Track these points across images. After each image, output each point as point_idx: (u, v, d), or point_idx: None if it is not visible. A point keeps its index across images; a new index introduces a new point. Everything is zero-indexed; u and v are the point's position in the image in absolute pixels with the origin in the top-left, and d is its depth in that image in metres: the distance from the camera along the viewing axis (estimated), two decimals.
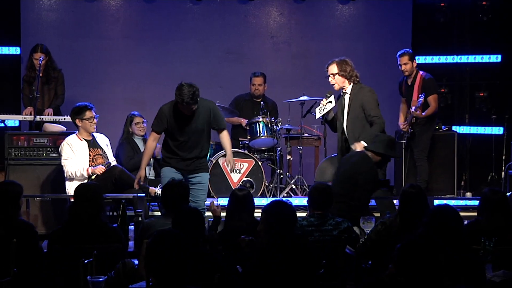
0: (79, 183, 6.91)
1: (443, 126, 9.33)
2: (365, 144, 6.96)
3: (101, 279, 4.04)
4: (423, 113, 8.42)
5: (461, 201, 8.47)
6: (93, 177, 7.28)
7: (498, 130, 9.82)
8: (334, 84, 7.38)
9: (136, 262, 4.73)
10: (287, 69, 10.49)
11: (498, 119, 9.78)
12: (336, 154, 8.56)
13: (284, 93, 9.50)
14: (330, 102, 7.45)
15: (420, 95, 8.34)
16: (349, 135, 7.33)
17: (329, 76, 7.38)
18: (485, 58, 10.07)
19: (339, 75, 7.32)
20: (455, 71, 10.41)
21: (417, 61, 9.75)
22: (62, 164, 7.36)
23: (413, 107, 8.37)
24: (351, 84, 7.34)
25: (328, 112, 7.50)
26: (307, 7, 10.48)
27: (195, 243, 4.39)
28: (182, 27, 10.32)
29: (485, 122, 9.97)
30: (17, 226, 5.13)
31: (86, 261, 4.45)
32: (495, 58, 10.03)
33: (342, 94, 7.45)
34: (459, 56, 10.21)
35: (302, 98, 8.87)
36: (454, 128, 9.62)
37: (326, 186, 5.73)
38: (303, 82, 10.07)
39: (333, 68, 7.35)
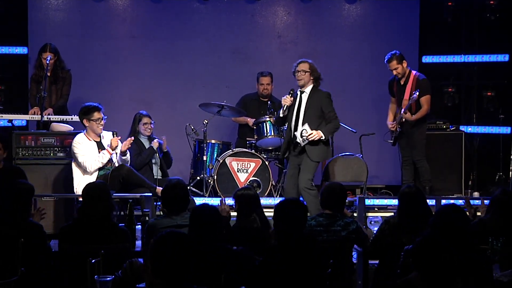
0: (88, 182, 6.96)
1: (450, 126, 9.32)
2: (323, 135, 7.43)
3: (108, 278, 4.05)
4: (413, 116, 8.37)
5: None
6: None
7: (505, 130, 9.81)
8: (300, 80, 7.64)
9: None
10: None
11: (506, 118, 9.76)
12: (345, 153, 8.58)
13: None
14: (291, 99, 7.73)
15: (414, 92, 8.28)
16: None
17: (299, 71, 7.62)
18: (493, 58, 10.04)
19: (310, 74, 7.60)
20: (462, 71, 10.39)
21: (424, 61, 9.71)
22: (81, 161, 7.34)
23: (403, 109, 8.34)
24: (312, 85, 7.64)
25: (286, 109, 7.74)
26: (314, 6, 10.46)
27: (212, 240, 4.40)
28: (189, 26, 10.32)
29: (493, 121, 9.95)
30: (26, 226, 5.14)
31: (93, 261, 4.46)
32: (503, 58, 10.00)
33: (299, 92, 7.70)
34: (466, 56, 10.17)
35: None
36: (461, 127, 9.60)
37: (336, 185, 5.72)
38: None
39: (306, 66, 7.62)
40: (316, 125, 7.53)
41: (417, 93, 8.22)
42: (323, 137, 7.49)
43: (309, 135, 7.45)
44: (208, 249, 4.30)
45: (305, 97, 7.66)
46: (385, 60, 8.50)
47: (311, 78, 7.64)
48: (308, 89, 7.65)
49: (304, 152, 7.58)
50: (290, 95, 7.65)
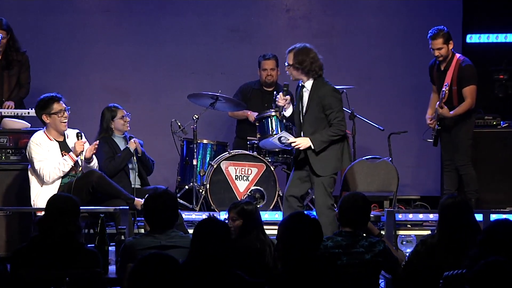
0: (48, 193, 6.94)
1: (502, 122, 9.29)
2: (311, 144, 7.15)
3: None
4: (451, 112, 8.31)
5: None
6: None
7: None
8: (290, 76, 7.47)
9: None
10: None
11: None
12: (370, 156, 8.56)
13: None
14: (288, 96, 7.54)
15: (445, 84, 8.24)
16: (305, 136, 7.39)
17: (286, 66, 7.48)
18: None
19: (294, 68, 7.36)
20: None
21: (469, 41, 9.66)
22: (37, 167, 7.32)
23: (438, 102, 8.28)
24: (310, 79, 7.40)
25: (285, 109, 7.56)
26: None
27: (220, 259, 4.44)
28: None
29: None
30: None
31: None
32: None
33: (301, 86, 7.50)
34: None
35: None
36: None
37: (358, 196, 5.70)
38: (326, 66, 9.97)
39: (289, 58, 7.41)
40: (313, 130, 7.29)
41: (446, 89, 8.17)
42: (313, 147, 7.21)
43: (291, 143, 7.33)
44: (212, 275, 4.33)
45: (306, 94, 7.44)
46: (429, 35, 8.42)
47: (300, 73, 7.35)
48: (308, 84, 7.41)
49: (308, 164, 7.36)
50: (284, 92, 7.46)
